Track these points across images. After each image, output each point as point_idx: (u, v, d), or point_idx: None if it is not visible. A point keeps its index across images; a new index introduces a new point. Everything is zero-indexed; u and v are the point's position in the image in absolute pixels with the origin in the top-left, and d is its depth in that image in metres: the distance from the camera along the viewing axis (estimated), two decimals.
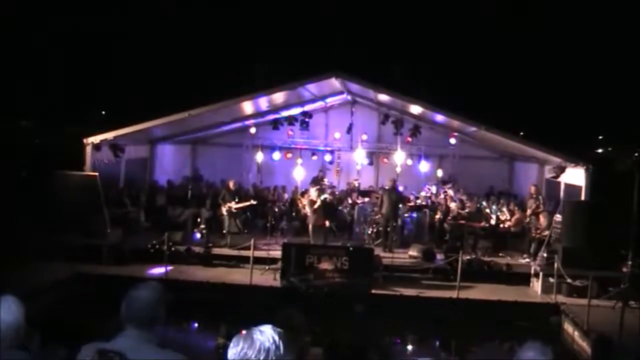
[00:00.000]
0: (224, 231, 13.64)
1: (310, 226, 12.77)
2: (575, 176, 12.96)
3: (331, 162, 17.59)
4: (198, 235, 13.75)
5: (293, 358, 1.81)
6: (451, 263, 11.72)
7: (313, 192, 13.00)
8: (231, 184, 14.19)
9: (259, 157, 17.69)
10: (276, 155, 17.25)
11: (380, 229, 13.83)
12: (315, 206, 12.59)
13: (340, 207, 15.39)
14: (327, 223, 13.19)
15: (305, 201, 14.41)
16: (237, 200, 13.86)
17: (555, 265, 10.65)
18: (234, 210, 13.72)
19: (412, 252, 12.94)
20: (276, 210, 15.02)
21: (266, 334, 1.80)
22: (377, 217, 14.36)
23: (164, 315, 2.59)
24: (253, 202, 14.22)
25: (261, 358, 1.76)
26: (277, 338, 1.79)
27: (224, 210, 13.63)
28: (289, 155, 17.37)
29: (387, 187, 13.97)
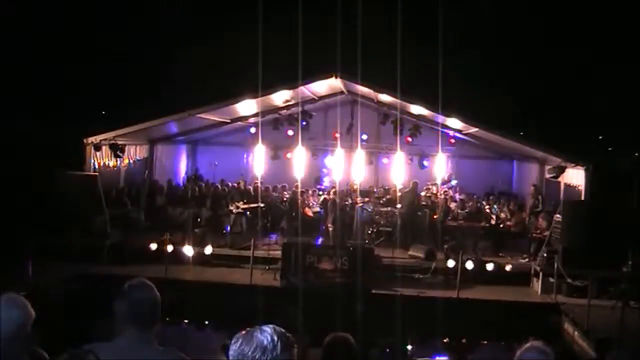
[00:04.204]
0: (227, 230, 13.65)
1: (331, 227, 12.96)
2: (575, 176, 12.96)
3: (331, 166, 17.59)
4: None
5: (291, 358, 1.81)
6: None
7: (332, 194, 13.22)
8: (242, 184, 14.28)
9: (259, 157, 17.68)
10: (276, 155, 17.23)
11: (389, 229, 14.04)
12: (340, 207, 12.83)
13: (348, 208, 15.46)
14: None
15: (314, 200, 14.65)
16: (245, 200, 13.91)
17: (555, 265, 10.65)
18: (240, 210, 13.77)
19: (412, 252, 12.94)
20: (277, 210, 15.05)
21: (266, 333, 1.81)
22: (376, 217, 14.44)
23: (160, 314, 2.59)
24: (261, 204, 14.25)
25: (257, 356, 1.77)
26: (275, 337, 1.80)
27: (232, 209, 13.69)
28: (289, 155, 17.35)
29: (407, 189, 14.30)
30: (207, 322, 10.74)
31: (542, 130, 21.63)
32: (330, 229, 13.15)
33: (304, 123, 15.73)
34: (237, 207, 13.69)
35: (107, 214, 12.29)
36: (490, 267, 12.19)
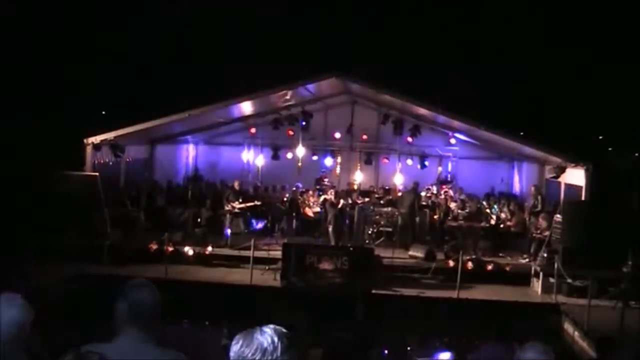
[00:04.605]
0: (225, 231, 13.61)
1: (330, 228, 12.93)
2: (575, 176, 12.96)
3: (331, 166, 17.57)
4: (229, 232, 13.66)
5: (292, 359, 1.80)
6: (448, 263, 11.75)
7: (332, 194, 13.17)
8: (236, 184, 14.22)
9: (259, 157, 17.70)
10: (276, 155, 17.22)
11: (389, 229, 14.08)
12: (339, 207, 12.80)
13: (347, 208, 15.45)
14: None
15: (314, 200, 14.66)
16: (240, 200, 13.86)
17: (556, 265, 10.65)
18: (237, 210, 13.71)
19: (413, 252, 12.95)
20: (277, 210, 15.03)
21: (266, 334, 1.80)
22: (376, 217, 14.44)
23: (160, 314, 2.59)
24: (257, 202, 14.22)
25: (257, 358, 1.76)
26: (276, 339, 1.79)
27: (227, 209, 13.62)
28: (289, 155, 17.37)
29: (408, 189, 14.32)
30: (207, 322, 10.76)
31: (543, 130, 21.62)
32: (330, 229, 13.12)
33: (304, 123, 15.74)
34: (233, 208, 13.63)
35: (107, 214, 12.27)
36: (490, 267, 12.21)
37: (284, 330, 1.85)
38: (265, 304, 10.27)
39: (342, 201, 13.13)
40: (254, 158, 17.80)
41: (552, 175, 13.76)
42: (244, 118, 17.03)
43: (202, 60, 25.91)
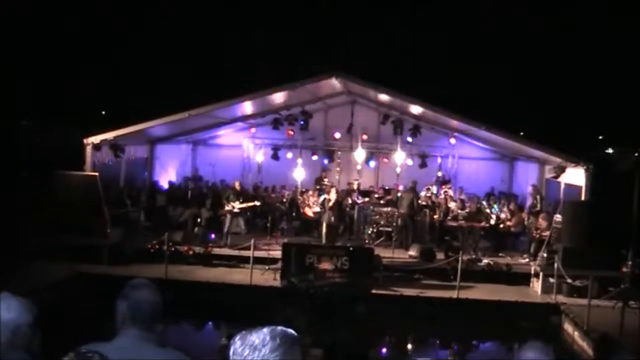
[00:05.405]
0: (225, 231, 13.62)
1: (324, 226, 12.85)
2: (575, 176, 12.95)
3: (330, 162, 17.54)
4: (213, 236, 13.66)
5: (285, 359, 1.80)
6: (451, 263, 11.74)
7: (333, 193, 13.10)
8: (237, 185, 14.22)
9: (259, 157, 17.69)
10: (276, 155, 17.22)
11: (389, 229, 14.06)
12: (330, 204, 12.71)
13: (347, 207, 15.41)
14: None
15: (314, 200, 14.60)
16: (241, 200, 13.85)
17: (556, 265, 10.66)
18: (236, 211, 13.70)
19: (412, 252, 12.95)
20: (277, 210, 15.03)
21: (261, 332, 1.82)
22: (376, 217, 14.43)
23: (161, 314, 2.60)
24: (257, 202, 14.22)
25: (245, 353, 1.78)
26: (267, 338, 1.80)
27: (227, 209, 13.61)
28: (289, 155, 17.36)
29: (407, 188, 14.31)
30: (207, 322, 10.76)
31: (543, 130, 21.65)
32: (323, 226, 13.01)
33: (304, 123, 15.72)
34: (233, 208, 13.61)
35: (107, 214, 12.27)
36: (490, 267, 12.21)
37: (289, 331, 1.85)
38: (265, 304, 10.27)
39: (335, 197, 12.97)
40: (254, 158, 17.79)
41: (552, 175, 13.75)
42: (244, 118, 17.02)
43: (202, 59, 25.95)
